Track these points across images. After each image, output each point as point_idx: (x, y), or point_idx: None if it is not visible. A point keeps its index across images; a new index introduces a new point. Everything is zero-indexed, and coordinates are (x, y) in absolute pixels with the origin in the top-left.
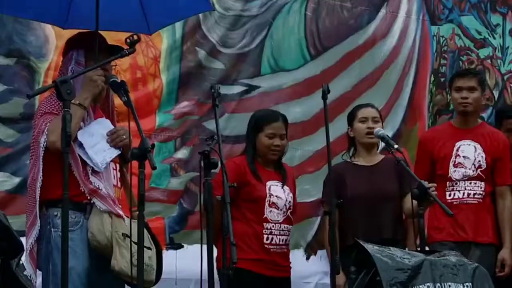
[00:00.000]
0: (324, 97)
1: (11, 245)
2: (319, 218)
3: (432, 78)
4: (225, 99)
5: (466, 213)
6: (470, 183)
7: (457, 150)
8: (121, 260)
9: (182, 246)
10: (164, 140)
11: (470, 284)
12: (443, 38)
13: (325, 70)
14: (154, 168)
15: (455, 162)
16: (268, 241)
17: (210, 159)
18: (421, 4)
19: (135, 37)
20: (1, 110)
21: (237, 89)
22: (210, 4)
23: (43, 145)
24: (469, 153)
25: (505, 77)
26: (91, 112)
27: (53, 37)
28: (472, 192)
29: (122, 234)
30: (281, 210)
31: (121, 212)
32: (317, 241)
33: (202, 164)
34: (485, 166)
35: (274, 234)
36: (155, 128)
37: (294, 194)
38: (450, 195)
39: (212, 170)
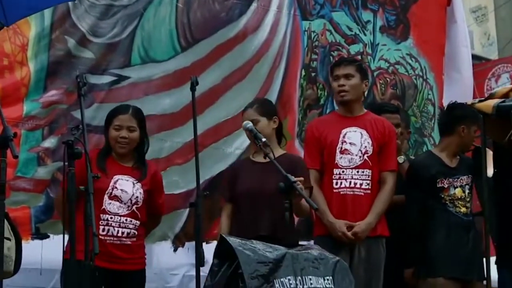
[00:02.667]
0: (193, 89)
1: None
2: (187, 210)
3: (303, 73)
4: (95, 88)
5: (352, 205)
6: (358, 172)
7: (344, 136)
8: None
9: (48, 236)
10: (32, 128)
11: (331, 277)
12: (314, 33)
13: (195, 62)
14: (15, 157)
15: (341, 148)
16: (104, 233)
17: (74, 149)
18: None
19: None
20: None
21: (106, 79)
22: None
23: None
24: (355, 139)
25: (375, 74)
26: None
27: None
28: (359, 182)
29: None
30: (124, 204)
31: None
32: (184, 233)
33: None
34: (371, 152)
35: (111, 226)
36: (23, 117)
37: (155, 192)
38: (337, 183)
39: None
